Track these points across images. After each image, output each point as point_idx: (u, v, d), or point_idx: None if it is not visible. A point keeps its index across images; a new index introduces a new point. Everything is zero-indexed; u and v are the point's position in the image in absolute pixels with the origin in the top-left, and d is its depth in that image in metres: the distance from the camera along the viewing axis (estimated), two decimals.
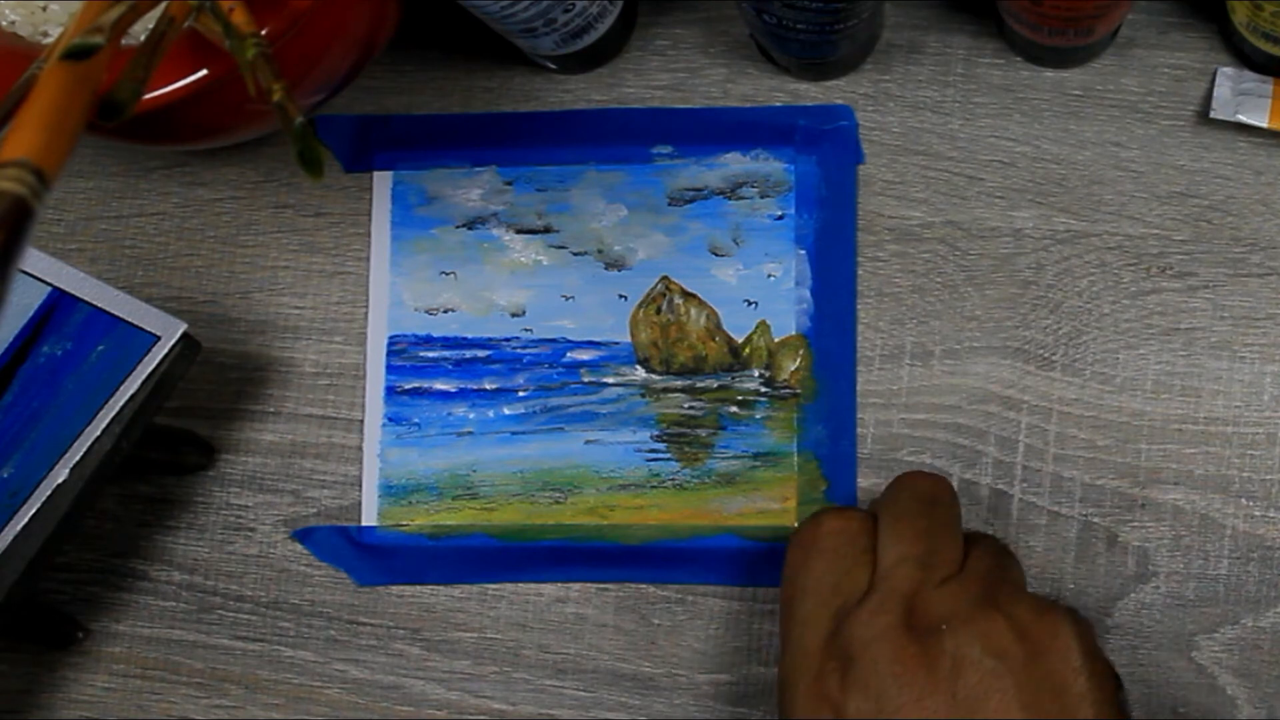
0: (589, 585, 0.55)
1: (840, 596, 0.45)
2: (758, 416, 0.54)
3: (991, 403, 0.53)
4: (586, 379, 0.55)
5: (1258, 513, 0.52)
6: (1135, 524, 0.53)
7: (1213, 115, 0.52)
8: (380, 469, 0.56)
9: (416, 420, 0.56)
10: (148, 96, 0.42)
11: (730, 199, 0.55)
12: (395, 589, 0.56)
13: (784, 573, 0.47)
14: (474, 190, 0.56)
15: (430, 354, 0.56)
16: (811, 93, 0.55)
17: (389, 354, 0.56)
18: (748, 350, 0.55)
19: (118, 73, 0.39)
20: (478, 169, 0.57)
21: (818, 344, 0.54)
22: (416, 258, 0.56)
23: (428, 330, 0.56)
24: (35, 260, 0.50)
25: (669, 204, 0.55)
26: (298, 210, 0.58)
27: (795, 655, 0.45)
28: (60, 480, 0.49)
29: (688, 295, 0.55)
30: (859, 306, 0.54)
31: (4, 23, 0.46)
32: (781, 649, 0.46)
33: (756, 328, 0.55)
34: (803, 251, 0.55)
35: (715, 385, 0.55)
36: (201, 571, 0.57)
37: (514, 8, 0.48)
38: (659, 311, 0.55)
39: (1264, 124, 0.51)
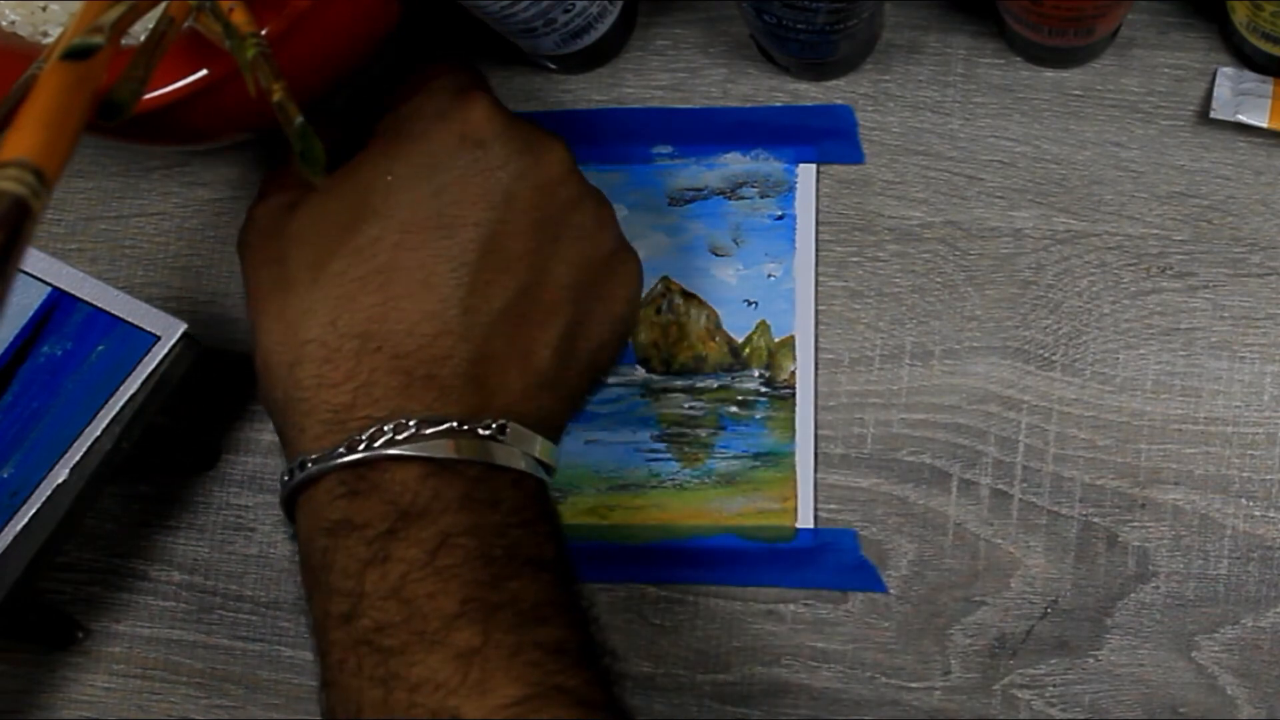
0: (589, 585, 0.55)
1: None
2: (758, 416, 0.54)
3: (991, 403, 0.53)
4: None
5: (1258, 513, 0.52)
6: (1135, 524, 0.53)
7: (1213, 115, 0.52)
8: None
9: None
10: (148, 96, 0.42)
11: (730, 199, 0.55)
12: None
13: None
14: None
15: None
16: (811, 93, 0.55)
17: None
18: (748, 350, 0.55)
19: (118, 73, 0.39)
20: None
21: None
22: None
23: None
24: (35, 260, 0.50)
25: (669, 204, 0.55)
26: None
27: None
28: (60, 480, 0.49)
29: (688, 295, 0.55)
30: (858, 306, 0.54)
31: (4, 23, 0.46)
32: None
33: (756, 328, 0.55)
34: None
35: (715, 385, 0.55)
36: (201, 571, 0.57)
37: (514, 8, 0.48)
38: (659, 311, 0.55)
39: (1264, 124, 0.51)
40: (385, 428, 0.44)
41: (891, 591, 0.54)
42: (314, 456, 0.44)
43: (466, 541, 0.43)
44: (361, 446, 0.44)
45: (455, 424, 0.44)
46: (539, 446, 0.47)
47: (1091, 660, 0.53)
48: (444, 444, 0.44)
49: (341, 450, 0.44)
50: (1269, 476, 0.52)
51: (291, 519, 0.46)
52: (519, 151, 0.47)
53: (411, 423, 0.44)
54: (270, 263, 0.47)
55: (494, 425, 0.45)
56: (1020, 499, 0.53)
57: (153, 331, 0.50)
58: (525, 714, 0.40)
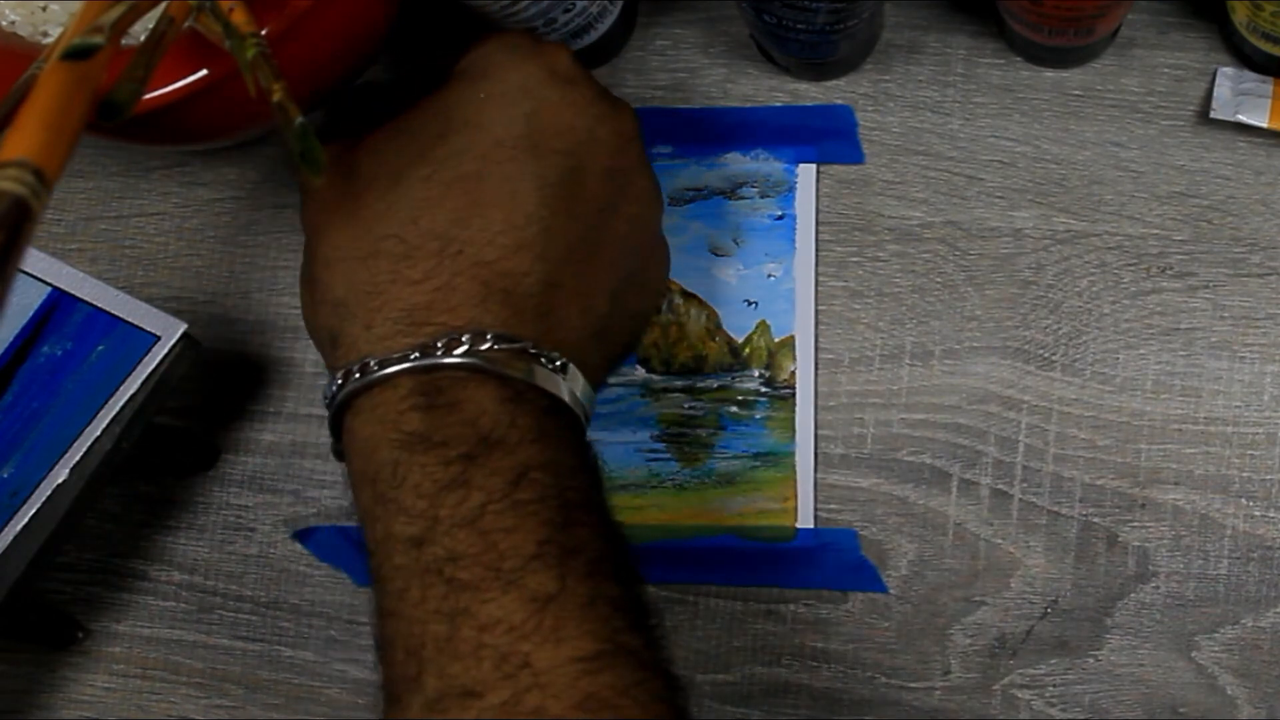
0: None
1: None
2: (758, 416, 0.54)
3: (991, 403, 0.53)
4: None
5: (1258, 513, 0.52)
6: (1135, 524, 0.53)
7: (1213, 115, 0.52)
8: None
9: None
10: (148, 96, 0.42)
11: (730, 199, 0.55)
12: None
13: None
14: None
15: None
16: (811, 93, 0.55)
17: None
18: (748, 350, 0.55)
19: (118, 73, 0.39)
20: None
21: None
22: None
23: None
24: (35, 260, 0.50)
25: (669, 204, 0.55)
26: (298, 210, 0.57)
27: None
28: (60, 480, 0.49)
29: (688, 295, 0.55)
30: (858, 306, 0.54)
31: (4, 23, 0.46)
32: None
33: (756, 328, 0.55)
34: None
35: (715, 385, 0.55)
36: (201, 571, 0.57)
37: (514, 7, 0.49)
38: (659, 311, 0.55)
39: (1264, 124, 0.51)
40: (463, 338, 0.43)
41: (891, 591, 0.54)
42: (384, 357, 0.43)
43: (543, 478, 0.42)
44: (439, 353, 0.42)
45: (529, 347, 0.44)
46: (584, 392, 0.46)
47: (1091, 660, 0.53)
48: (524, 366, 0.43)
49: (415, 355, 0.42)
50: (1269, 476, 0.52)
51: (337, 428, 0.45)
52: (600, 99, 0.48)
53: (489, 336, 0.43)
54: (340, 176, 0.46)
55: (558, 360, 0.44)
56: (1020, 499, 0.53)
57: (153, 331, 0.50)
58: (595, 669, 0.39)
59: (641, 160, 0.49)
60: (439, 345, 0.43)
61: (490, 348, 0.43)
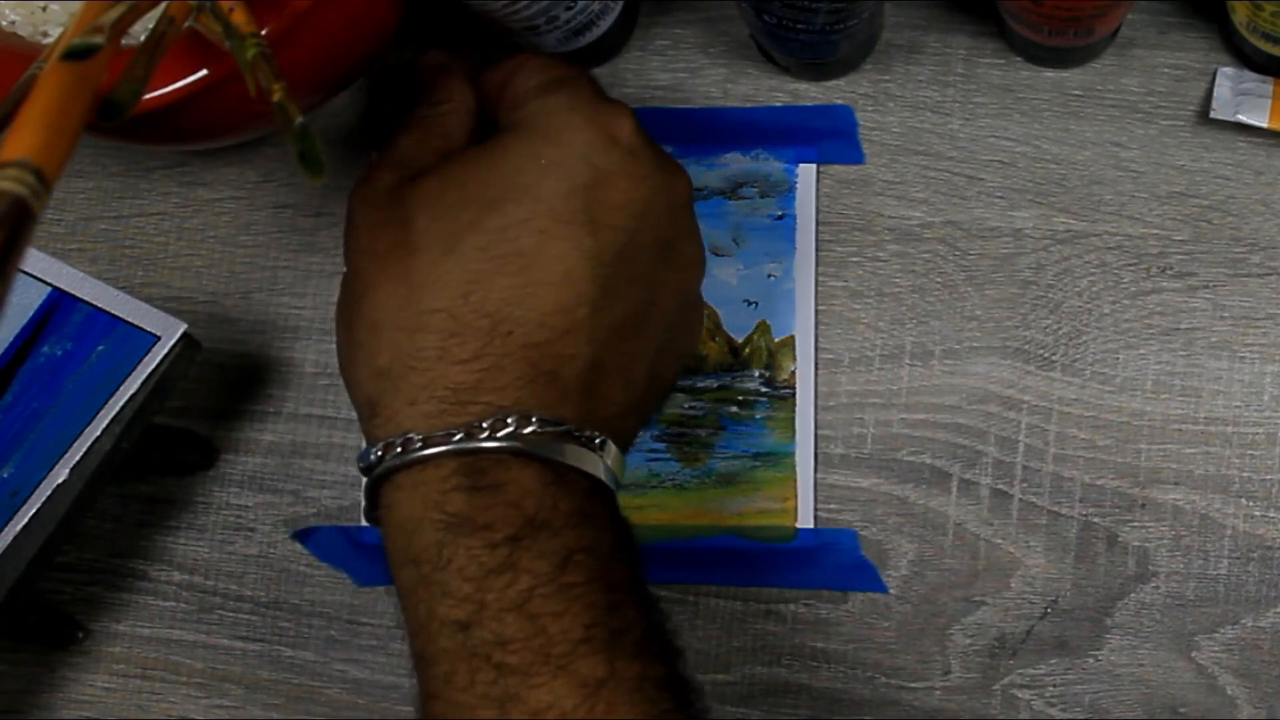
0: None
1: None
2: (758, 416, 0.54)
3: (991, 403, 0.53)
4: None
5: (1258, 513, 0.52)
6: (1135, 524, 0.53)
7: (1213, 115, 0.52)
8: None
9: None
10: (148, 96, 0.42)
11: (730, 199, 0.55)
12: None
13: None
14: None
15: None
16: (811, 93, 0.55)
17: None
18: (748, 350, 0.55)
19: (118, 73, 0.39)
20: None
21: None
22: None
23: None
24: (35, 260, 0.50)
25: None
26: (298, 210, 0.58)
27: None
28: (60, 480, 0.49)
29: None
30: (858, 306, 0.54)
31: (4, 23, 0.46)
32: None
33: (756, 328, 0.55)
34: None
35: (715, 385, 0.55)
36: (201, 571, 0.57)
37: (515, 5, 0.48)
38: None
39: (1264, 124, 0.51)
40: (508, 419, 0.42)
41: (891, 591, 0.54)
42: (427, 435, 0.42)
43: (587, 560, 0.41)
44: (484, 436, 0.42)
45: (573, 429, 0.43)
46: (616, 462, 0.45)
47: (1091, 660, 0.53)
48: (568, 449, 0.43)
49: (459, 435, 0.42)
50: (1269, 476, 0.52)
51: (373, 496, 0.44)
52: (659, 168, 0.47)
53: (534, 419, 0.43)
54: (392, 224, 0.45)
55: (598, 439, 0.44)
56: (1020, 499, 0.53)
57: (153, 331, 0.50)
58: None
59: (691, 227, 0.49)
60: (484, 426, 0.42)
61: (534, 430, 0.42)
